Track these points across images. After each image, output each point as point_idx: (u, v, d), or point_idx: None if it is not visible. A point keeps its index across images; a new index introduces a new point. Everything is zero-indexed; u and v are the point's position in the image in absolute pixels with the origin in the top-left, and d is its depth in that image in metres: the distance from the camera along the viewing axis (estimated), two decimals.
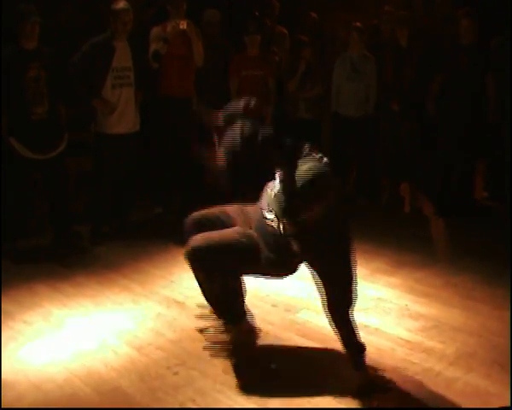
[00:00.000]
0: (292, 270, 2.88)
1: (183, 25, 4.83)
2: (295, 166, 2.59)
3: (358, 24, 5.52)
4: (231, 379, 2.73)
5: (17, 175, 4.35)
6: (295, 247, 2.67)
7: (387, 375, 2.74)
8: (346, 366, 2.72)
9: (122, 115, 4.63)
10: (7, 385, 2.70)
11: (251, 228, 2.86)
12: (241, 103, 2.77)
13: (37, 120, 4.27)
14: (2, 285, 3.70)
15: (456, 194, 5.20)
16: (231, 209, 3.01)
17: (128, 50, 4.59)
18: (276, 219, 2.73)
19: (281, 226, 2.70)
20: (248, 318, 3.14)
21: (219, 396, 2.61)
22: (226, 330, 3.13)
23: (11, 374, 2.79)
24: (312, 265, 2.70)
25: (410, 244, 4.48)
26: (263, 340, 3.10)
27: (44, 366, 2.87)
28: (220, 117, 2.78)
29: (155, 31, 4.95)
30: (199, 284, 3.08)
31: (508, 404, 2.52)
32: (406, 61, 5.26)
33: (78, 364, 2.89)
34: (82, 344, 3.08)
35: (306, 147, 2.68)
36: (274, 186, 2.79)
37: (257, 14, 5.66)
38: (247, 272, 2.93)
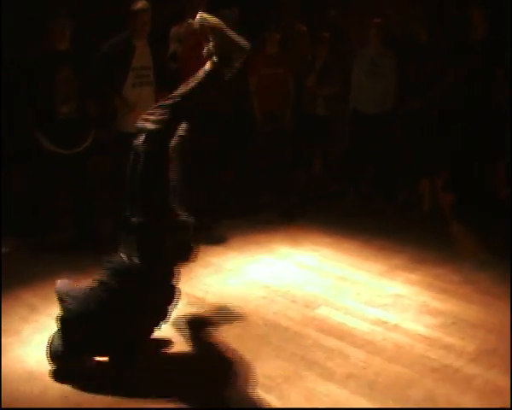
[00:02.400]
0: None
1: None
2: None
3: (377, 20, 5.50)
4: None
5: (43, 170, 4.47)
6: None
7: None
8: (354, 363, 2.74)
9: (142, 114, 4.67)
10: (35, 377, 2.77)
11: None
12: None
13: (64, 119, 4.36)
14: (28, 279, 3.83)
15: (476, 188, 5.14)
16: None
17: (148, 50, 4.64)
18: None
19: None
20: None
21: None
22: None
23: (37, 366, 2.86)
24: None
25: (429, 241, 4.47)
26: (282, 335, 3.14)
27: None
28: None
29: (174, 30, 4.99)
30: None
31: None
32: (426, 57, 5.20)
33: None
34: None
35: None
36: None
37: (275, 12, 5.68)
38: None
